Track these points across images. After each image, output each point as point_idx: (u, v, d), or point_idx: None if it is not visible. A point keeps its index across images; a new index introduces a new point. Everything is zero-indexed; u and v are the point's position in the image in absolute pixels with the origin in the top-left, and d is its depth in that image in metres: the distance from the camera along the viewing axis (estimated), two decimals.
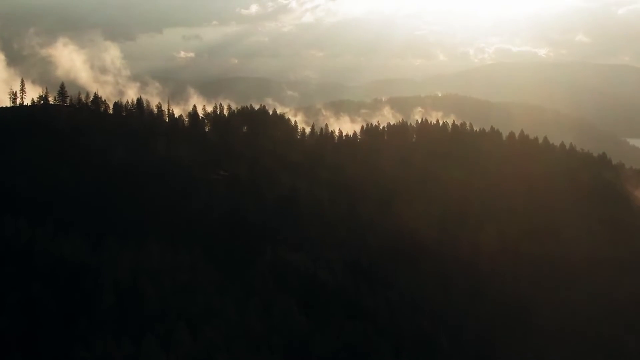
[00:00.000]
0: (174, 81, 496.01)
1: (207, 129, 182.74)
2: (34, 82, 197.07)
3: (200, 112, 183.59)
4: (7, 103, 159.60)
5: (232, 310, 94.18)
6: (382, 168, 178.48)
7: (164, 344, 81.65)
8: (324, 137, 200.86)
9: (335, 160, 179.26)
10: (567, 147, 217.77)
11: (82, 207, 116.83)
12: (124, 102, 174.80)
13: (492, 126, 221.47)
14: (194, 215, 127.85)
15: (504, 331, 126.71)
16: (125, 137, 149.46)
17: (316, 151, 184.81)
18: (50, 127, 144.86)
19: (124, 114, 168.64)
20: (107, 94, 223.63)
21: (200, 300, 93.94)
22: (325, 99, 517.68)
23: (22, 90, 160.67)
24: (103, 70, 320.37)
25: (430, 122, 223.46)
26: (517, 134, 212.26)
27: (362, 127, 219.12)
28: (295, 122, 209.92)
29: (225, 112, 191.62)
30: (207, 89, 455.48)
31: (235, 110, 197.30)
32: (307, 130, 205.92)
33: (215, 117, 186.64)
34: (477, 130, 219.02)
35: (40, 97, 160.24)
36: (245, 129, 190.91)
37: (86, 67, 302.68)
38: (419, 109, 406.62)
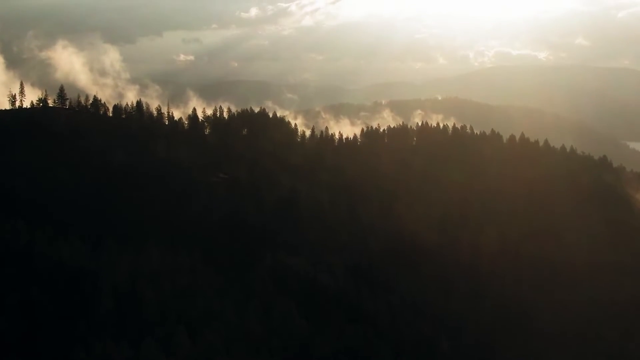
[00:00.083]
0: (174, 84, 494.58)
1: (207, 131, 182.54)
2: (33, 84, 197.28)
3: (200, 115, 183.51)
4: (7, 106, 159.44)
5: (232, 314, 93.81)
6: (382, 171, 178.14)
7: (164, 347, 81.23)
8: (324, 140, 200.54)
9: (335, 162, 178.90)
10: (568, 150, 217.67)
11: (82, 210, 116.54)
12: (124, 104, 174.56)
13: (492, 129, 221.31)
14: (194, 218, 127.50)
15: (505, 334, 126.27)
16: (125, 140, 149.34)
17: (316, 154, 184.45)
18: (50, 129, 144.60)
19: (124, 116, 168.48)
20: (107, 96, 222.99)
21: (199, 303, 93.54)
22: (325, 102, 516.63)
23: (22, 92, 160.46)
24: (102, 73, 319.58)
25: (431, 125, 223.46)
26: (517, 137, 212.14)
27: (363, 130, 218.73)
28: (295, 125, 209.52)
29: (225, 114, 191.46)
30: (207, 92, 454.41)
31: (235, 113, 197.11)
32: (307, 133, 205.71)
33: (215, 120, 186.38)
34: (478, 133, 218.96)
35: (40, 100, 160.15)
36: (245, 131, 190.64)
37: (85, 69, 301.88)
38: (419, 111, 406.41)
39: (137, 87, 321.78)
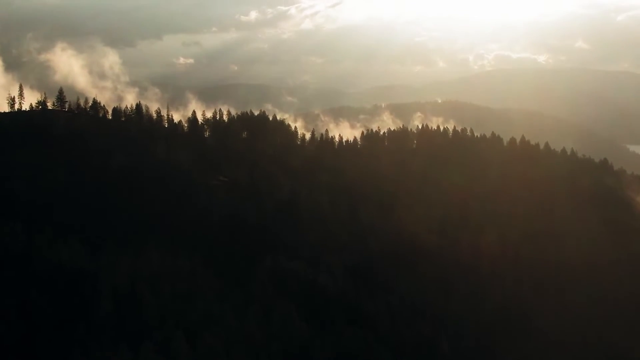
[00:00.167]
0: (174, 87, 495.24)
1: (206, 134, 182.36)
2: (32, 87, 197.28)
3: (199, 118, 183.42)
4: (6, 108, 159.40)
5: (232, 317, 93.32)
6: (382, 173, 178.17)
7: (163, 351, 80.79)
8: (324, 143, 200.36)
9: (335, 165, 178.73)
10: (568, 153, 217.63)
11: (81, 212, 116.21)
12: (123, 107, 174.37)
13: (493, 132, 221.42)
14: (194, 221, 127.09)
15: (505, 335, 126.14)
16: (125, 143, 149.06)
17: (316, 156, 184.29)
18: (49, 132, 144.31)
19: (123, 119, 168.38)
20: (106, 99, 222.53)
21: (199, 306, 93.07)
22: (324, 105, 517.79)
23: (21, 95, 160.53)
24: (102, 75, 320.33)
25: (431, 127, 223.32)
26: (517, 140, 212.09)
27: (363, 132, 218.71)
28: (295, 127, 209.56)
29: (225, 117, 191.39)
30: (207, 95, 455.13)
31: (235, 116, 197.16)
32: (307, 136, 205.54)
33: (214, 123, 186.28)
34: (478, 135, 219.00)
35: (39, 103, 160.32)
36: (245, 134, 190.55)
37: (84, 72, 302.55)
38: (419, 114, 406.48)
39: (136, 89, 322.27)
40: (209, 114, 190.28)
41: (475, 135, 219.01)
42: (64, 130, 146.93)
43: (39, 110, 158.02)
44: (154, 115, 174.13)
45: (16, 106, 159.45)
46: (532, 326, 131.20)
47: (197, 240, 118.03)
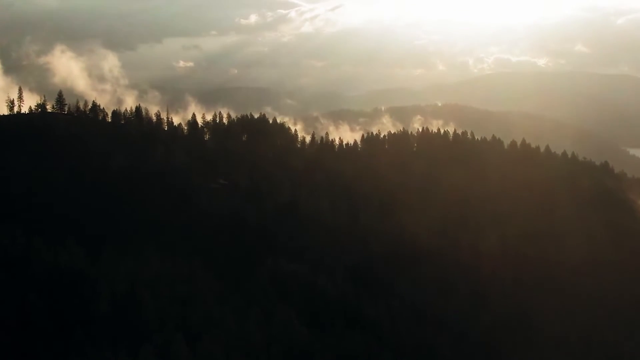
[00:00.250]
0: (173, 90, 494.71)
1: (206, 137, 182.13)
2: (31, 90, 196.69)
3: (199, 121, 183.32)
4: (5, 111, 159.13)
5: (232, 320, 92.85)
6: (383, 175, 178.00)
7: (162, 354, 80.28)
8: (324, 146, 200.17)
9: (335, 167, 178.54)
10: (569, 155, 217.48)
11: (80, 215, 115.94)
12: (123, 110, 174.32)
13: (493, 135, 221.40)
14: (194, 223, 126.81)
15: (506, 336, 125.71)
16: (124, 145, 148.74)
17: (316, 159, 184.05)
18: (48, 134, 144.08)
19: (123, 122, 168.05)
20: (106, 102, 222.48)
21: (199, 309, 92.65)
22: (324, 109, 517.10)
23: (20, 98, 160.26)
24: (101, 78, 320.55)
25: (431, 130, 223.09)
26: (518, 143, 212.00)
27: (363, 135, 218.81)
28: (295, 130, 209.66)
29: (225, 120, 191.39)
30: (206, 98, 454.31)
31: (235, 119, 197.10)
32: (307, 139, 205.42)
33: (214, 126, 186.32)
34: (479, 138, 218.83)
35: (38, 105, 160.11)
36: (244, 137, 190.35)
37: (84, 75, 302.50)
38: (419, 117, 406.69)
39: (136, 92, 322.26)
40: (208, 117, 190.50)
41: (476, 138, 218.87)
42: (64, 133, 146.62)
43: (39, 113, 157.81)
44: (154, 118, 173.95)
45: (15, 109, 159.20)
46: (532, 326, 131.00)
47: (197, 242, 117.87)
